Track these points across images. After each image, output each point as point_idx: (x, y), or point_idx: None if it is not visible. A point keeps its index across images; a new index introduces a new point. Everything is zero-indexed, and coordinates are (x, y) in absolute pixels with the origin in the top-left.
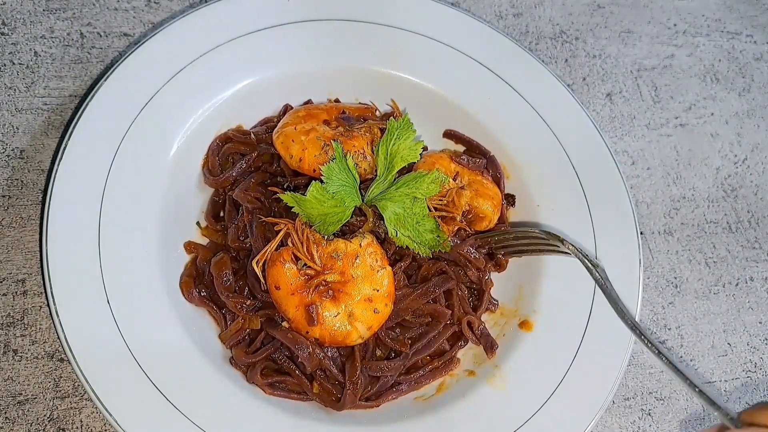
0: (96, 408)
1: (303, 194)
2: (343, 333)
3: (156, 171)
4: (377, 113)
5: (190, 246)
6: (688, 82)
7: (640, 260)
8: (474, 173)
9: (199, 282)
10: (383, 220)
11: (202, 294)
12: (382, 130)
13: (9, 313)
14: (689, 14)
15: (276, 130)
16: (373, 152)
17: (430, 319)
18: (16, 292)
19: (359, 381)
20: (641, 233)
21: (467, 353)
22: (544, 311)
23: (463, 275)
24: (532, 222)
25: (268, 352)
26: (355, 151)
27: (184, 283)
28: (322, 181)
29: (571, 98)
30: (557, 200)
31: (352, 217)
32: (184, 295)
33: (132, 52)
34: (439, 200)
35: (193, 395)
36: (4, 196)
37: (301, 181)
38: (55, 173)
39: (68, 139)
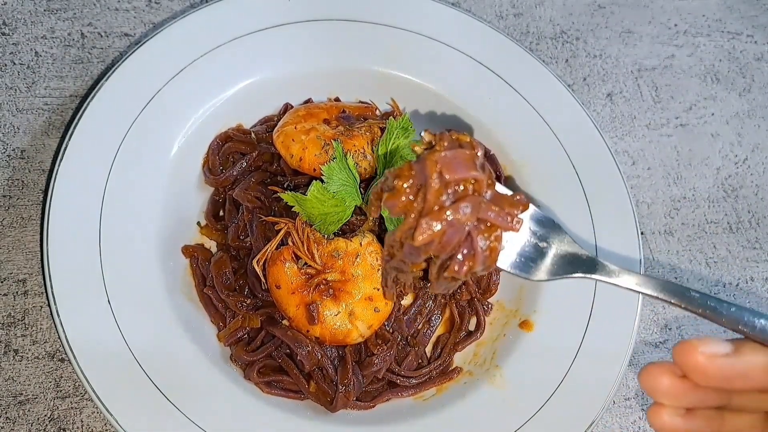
0: (96, 408)
1: (303, 193)
2: (344, 332)
3: (156, 171)
4: (377, 112)
5: (187, 250)
6: (688, 83)
7: (640, 260)
8: None
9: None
10: (383, 220)
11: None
12: (383, 129)
13: (10, 313)
14: (690, 14)
15: (276, 129)
16: (373, 151)
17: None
18: (17, 292)
19: (351, 383)
20: (642, 233)
21: (467, 353)
22: (544, 311)
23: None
24: None
25: (269, 350)
26: (356, 151)
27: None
28: (322, 181)
29: (572, 98)
30: (557, 200)
31: (352, 216)
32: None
33: (133, 52)
34: None
35: (194, 395)
36: (5, 196)
37: (301, 180)
38: (56, 173)
39: (69, 139)
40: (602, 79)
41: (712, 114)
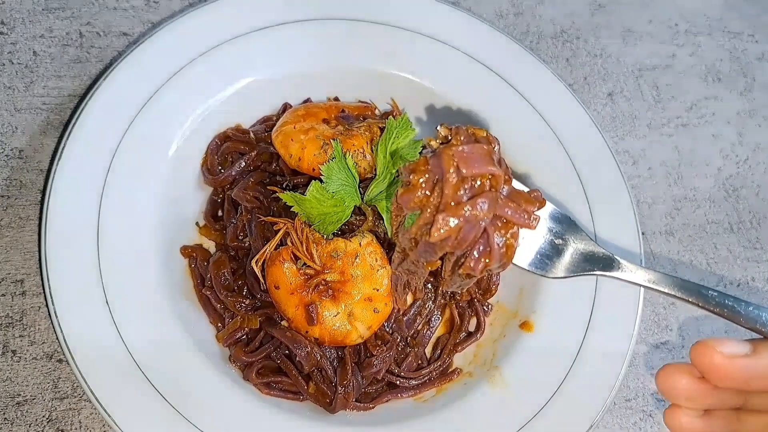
0: (95, 409)
1: (302, 193)
2: (343, 332)
3: (155, 170)
4: (377, 112)
5: (186, 250)
6: (689, 82)
7: (641, 260)
8: None
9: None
10: (383, 220)
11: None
12: (382, 129)
13: (8, 313)
14: (691, 14)
15: (275, 129)
16: (372, 151)
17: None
18: (15, 293)
19: (351, 384)
20: (642, 233)
21: (467, 354)
22: (544, 312)
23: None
24: None
25: (267, 351)
26: (355, 150)
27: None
28: (321, 181)
29: (572, 98)
30: (558, 200)
31: (351, 216)
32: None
33: (131, 52)
34: None
35: (192, 396)
36: (2, 196)
37: (300, 180)
38: (54, 173)
39: (67, 138)
40: (603, 79)
41: (713, 114)
